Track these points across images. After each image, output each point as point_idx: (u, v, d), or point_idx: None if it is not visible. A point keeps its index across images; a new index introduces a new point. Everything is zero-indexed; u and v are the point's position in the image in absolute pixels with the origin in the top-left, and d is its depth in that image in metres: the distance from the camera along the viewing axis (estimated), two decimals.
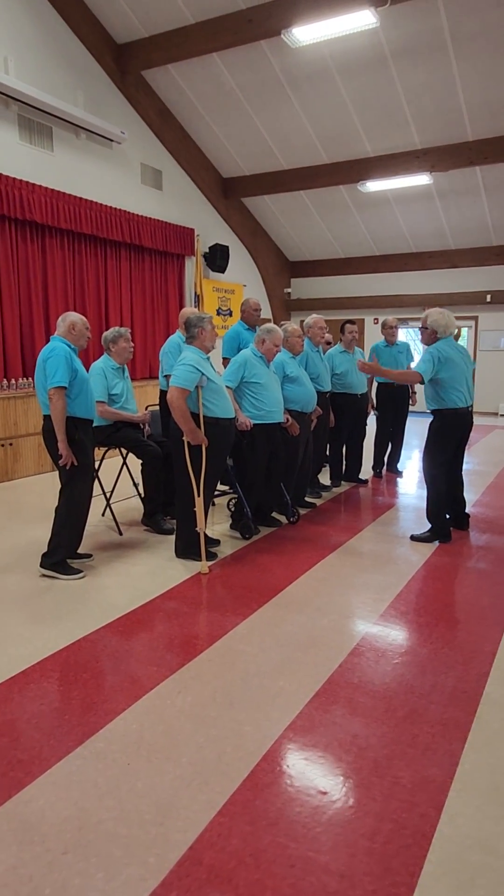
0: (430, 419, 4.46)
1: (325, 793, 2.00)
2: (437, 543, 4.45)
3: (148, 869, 1.70)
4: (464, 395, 4.30)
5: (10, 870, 1.70)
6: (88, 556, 4.06)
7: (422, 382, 4.29)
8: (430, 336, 4.32)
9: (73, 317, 3.81)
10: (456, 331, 4.38)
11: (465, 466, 4.72)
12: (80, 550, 3.99)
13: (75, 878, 1.67)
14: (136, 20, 7.68)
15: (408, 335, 12.52)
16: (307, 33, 6.67)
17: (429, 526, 4.54)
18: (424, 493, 4.62)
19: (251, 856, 1.75)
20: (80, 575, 3.76)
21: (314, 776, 2.08)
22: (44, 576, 3.77)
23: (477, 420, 4.50)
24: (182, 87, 8.76)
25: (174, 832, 1.83)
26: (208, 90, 8.72)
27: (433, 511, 4.48)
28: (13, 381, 6.86)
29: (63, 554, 3.80)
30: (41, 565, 3.80)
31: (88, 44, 7.87)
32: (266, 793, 2.00)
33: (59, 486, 3.80)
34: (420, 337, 4.44)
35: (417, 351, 12.31)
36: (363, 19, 6.34)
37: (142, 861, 1.73)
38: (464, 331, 12.02)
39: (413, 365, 6.65)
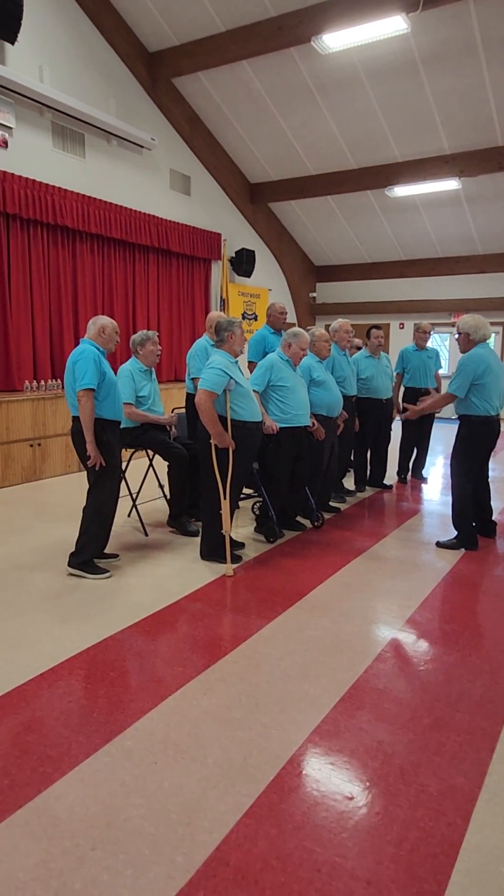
0: (456, 425, 4.42)
1: (351, 798, 1.99)
2: (462, 551, 4.41)
3: (175, 868, 1.72)
4: (495, 404, 4.26)
5: (41, 863, 1.73)
6: (115, 556, 4.10)
7: (459, 398, 4.24)
8: (465, 341, 4.28)
9: (104, 320, 3.86)
10: (490, 335, 4.32)
11: (491, 474, 4.66)
12: (106, 550, 4.04)
13: (104, 875, 1.69)
14: (167, 29, 7.78)
15: (433, 340, 12.41)
16: (337, 40, 6.68)
17: (455, 533, 4.50)
18: (449, 499, 4.59)
19: (277, 859, 1.75)
20: (107, 574, 3.81)
21: (340, 781, 2.07)
22: (71, 575, 3.82)
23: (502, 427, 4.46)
24: (211, 93, 8.84)
25: (201, 832, 1.84)
26: (237, 97, 8.79)
27: (459, 518, 4.44)
28: (42, 382, 6.98)
29: (90, 553, 3.85)
30: (69, 564, 3.86)
31: (121, 52, 8.00)
32: (292, 796, 2.00)
33: (87, 486, 3.85)
34: (459, 346, 4.39)
35: (444, 357, 12.25)
36: (394, 25, 6.34)
37: (169, 860, 1.74)
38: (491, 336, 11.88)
39: (441, 372, 6.62)
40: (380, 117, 8.61)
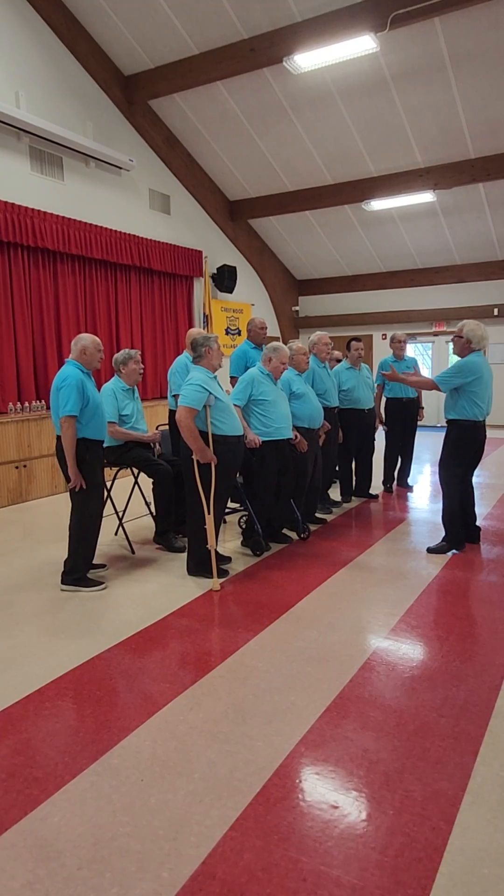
0: (438, 433, 4.49)
1: (336, 807, 2.01)
2: (449, 556, 4.45)
3: (161, 883, 1.72)
4: (483, 410, 4.35)
5: (27, 885, 1.72)
6: (102, 566, 4.12)
7: (440, 390, 4.33)
8: (464, 346, 4.35)
9: (85, 340, 3.89)
10: (486, 347, 4.41)
11: (476, 480, 4.73)
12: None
13: (90, 893, 1.69)
14: (142, 52, 7.91)
15: (415, 350, 12.59)
16: (308, 60, 6.83)
17: (442, 536, 4.56)
18: (435, 506, 4.65)
19: (263, 870, 1.76)
20: (102, 587, 3.87)
21: (326, 790, 2.09)
22: (64, 591, 3.87)
23: (487, 433, 4.52)
24: (188, 114, 8.97)
25: (187, 847, 1.85)
26: (213, 117, 8.93)
27: (448, 519, 4.51)
28: (27, 403, 6.99)
29: (82, 570, 3.91)
30: (63, 583, 3.91)
31: (96, 76, 8.11)
32: (278, 807, 2.01)
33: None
34: (453, 347, 4.47)
35: (426, 365, 12.41)
36: (363, 44, 6.48)
37: (155, 875, 1.75)
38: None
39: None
40: (354, 133, 8.78)
